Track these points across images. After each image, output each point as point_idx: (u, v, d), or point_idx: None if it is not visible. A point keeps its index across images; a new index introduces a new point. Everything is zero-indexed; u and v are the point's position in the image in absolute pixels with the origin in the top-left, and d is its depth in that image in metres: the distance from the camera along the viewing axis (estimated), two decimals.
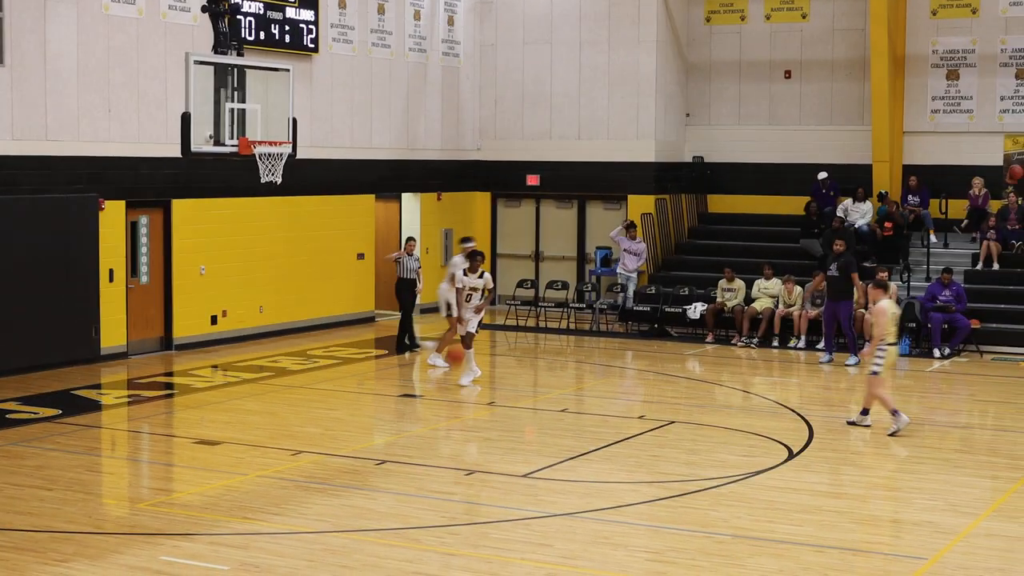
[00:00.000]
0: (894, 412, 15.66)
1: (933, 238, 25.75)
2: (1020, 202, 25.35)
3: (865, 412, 16.20)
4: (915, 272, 24.87)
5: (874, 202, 26.26)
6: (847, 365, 21.39)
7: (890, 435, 15.52)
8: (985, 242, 24.95)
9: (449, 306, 20.06)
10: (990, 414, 18.38)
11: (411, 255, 22.50)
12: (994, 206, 25.78)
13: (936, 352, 22.58)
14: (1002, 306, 23.64)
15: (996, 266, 24.83)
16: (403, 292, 22.45)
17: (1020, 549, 10.97)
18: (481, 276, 18.87)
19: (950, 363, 22.04)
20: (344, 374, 20.38)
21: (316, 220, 24.56)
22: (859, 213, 25.97)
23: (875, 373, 15.60)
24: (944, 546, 10.96)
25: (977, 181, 25.93)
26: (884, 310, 15.69)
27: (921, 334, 22.97)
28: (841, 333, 21.90)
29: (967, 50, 26.55)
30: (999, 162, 26.33)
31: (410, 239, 23.17)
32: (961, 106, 26.64)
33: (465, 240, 21.34)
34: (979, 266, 24.83)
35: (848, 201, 26.13)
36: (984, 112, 26.49)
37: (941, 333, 22.67)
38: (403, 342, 22.52)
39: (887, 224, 25.51)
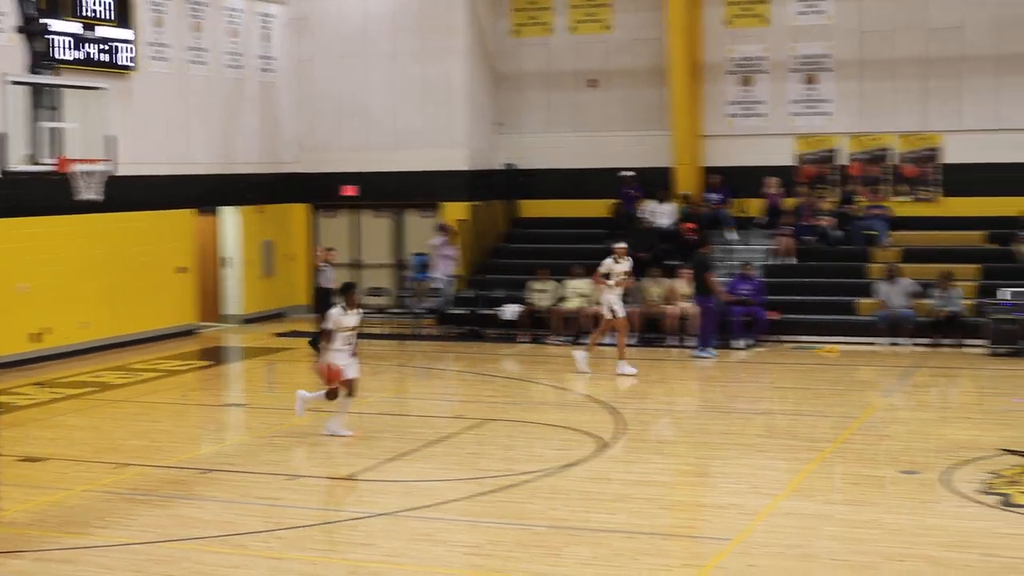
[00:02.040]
0: None
1: (734, 235, 26.86)
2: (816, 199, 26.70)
3: None
4: (716, 269, 25.93)
5: (677, 203, 27.30)
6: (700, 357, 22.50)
7: None
8: (781, 238, 26.18)
9: (612, 308, 21.14)
10: (789, 400, 19.31)
11: (330, 264, 22.99)
12: (788, 203, 27.02)
13: (737, 343, 23.68)
14: (799, 298, 24.83)
15: (792, 260, 26.09)
16: (323, 301, 22.85)
17: (818, 526, 11.58)
18: (358, 312, 16.06)
19: (751, 353, 23.09)
20: (168, 386, 20.46)
21: (137, 235, 24.55)
22: (663, 214, 27.01)
23: None
24: (747, 526, 11.54)
25: (772, 180, 27.13)
26: None
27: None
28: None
29: (760, 57, 27.74)
30: (792, 162, 27.60)
31: (330, 249, 23.64)
32: (756, 110, 27.80)
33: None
34: (776, 260, 26.04)
35: (652, 202, 27.14)
36: (777, 115, 27.70)
37: (742, 325, 23.78)
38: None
39: (690, 224, 26.54)
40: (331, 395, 15.78)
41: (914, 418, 17.35)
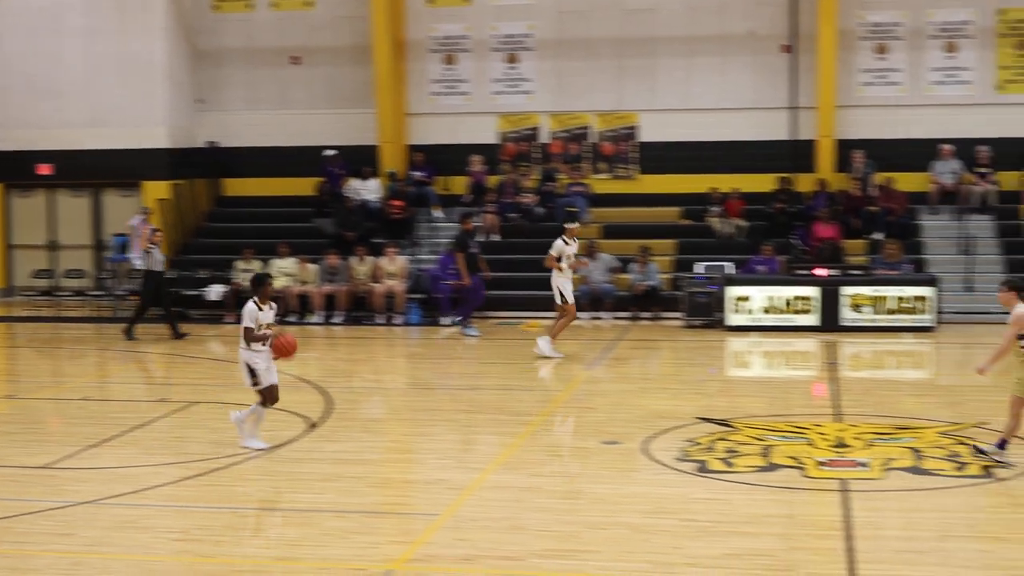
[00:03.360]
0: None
1: (439, 213, 27.09)
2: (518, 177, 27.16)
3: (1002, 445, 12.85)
4: (423, 246, 26.16)
5: (383, 181, 27.36)
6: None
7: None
8: (485, 215, 26.54)
9: (561, 293, 20.17)
10: (496, 375, 19.56)
11: (157, 246, 22.48)
12: (492, 181, 27.42)
13: (444, 320, 23.92)
14: (503, 274, 25.20)
15: (496, 237, 26.48)
16: (149, 284, 22.34)
17: (525, 498, 11.77)
18: (271, 306, 14.20)
19: (458, 329, 23.35)
20: None
21: None
22: (368, 191, 27.03)
23: None
24: (455, 501, 11.65)
25: (476, 158, 27.49)
26: None
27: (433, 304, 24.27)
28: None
29: (462, 36, 28.02)
30: (495, 140, 28.02)
31: (157, 230, 22.96)
32: (459, 88, 28.10)
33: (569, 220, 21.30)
34: (481, 238, 26.37)
35: (357, 181, 27.13)
36: (480, 94, 28.08)
37: (450, 302, 24.04)
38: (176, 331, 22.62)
39: (396, 202, 26.65)
40: (265, 401, 14.06)
41: (615, 390, 17.86)
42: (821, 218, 25.23)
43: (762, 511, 11.28)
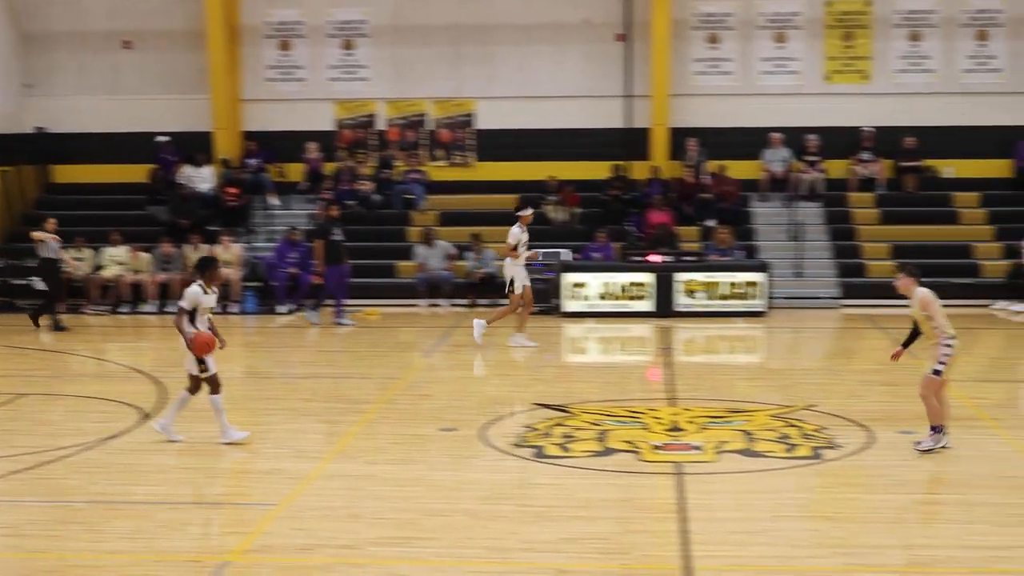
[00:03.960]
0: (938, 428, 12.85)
1: (275, 201, 26.84)
2: (355, 163, 27.01)
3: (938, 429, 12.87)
4: (258, 234, 25.90)
5: (217, 168, 27.00)
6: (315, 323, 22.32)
7: (923, 450, 12.79)
8: (322, 203, 26.35)
9: (512, 281, 19.62)
10: (333, 363, 19.51)
11: (52, 235, 21.83)
12: (329, 168, 27.26)
13: (280, 308, 23.73)
14: None
15: None
16: (51, 273, 21.85)
17: (363, 487, 11.73)
18: (215, 292, 13.69)
19: (295, 317, 23.18)
20: None
21: None
22: (201, 178, 26.65)
23: (939, 372, 12.58)
24: (293, 490, 11.56)
25: (312, 145, 27.29)
26: (931, 300, 12.69)
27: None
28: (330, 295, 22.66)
29: (297, 22, 27.79)
30: (332, 127, 27.85)
31: (52, 218, 22.23)
32: (295, 74, 27.86)
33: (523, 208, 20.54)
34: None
35: (190, 168, 26.72)
36: (316, 80, 27.89)
37: (286, 290, 23.85)
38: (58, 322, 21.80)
39: (231, 189, 26.32)
40: (196, 388, 13.65)
41: (453, 377, 17.91)
42: (655, 205, 25.60)
43: (598, 495, 11.39)
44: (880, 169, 26.89)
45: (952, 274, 24.02)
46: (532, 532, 10.28)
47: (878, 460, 12.55)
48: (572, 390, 16.46)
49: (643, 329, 22.12)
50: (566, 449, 12.95)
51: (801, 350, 20.59)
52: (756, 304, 23.23)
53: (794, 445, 13.09)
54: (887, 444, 13.11)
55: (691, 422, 14.10)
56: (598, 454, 12.75)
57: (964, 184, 26.84)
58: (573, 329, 22.34)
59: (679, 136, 27.10)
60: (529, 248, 20.14)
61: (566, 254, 24.38)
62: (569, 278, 23.32)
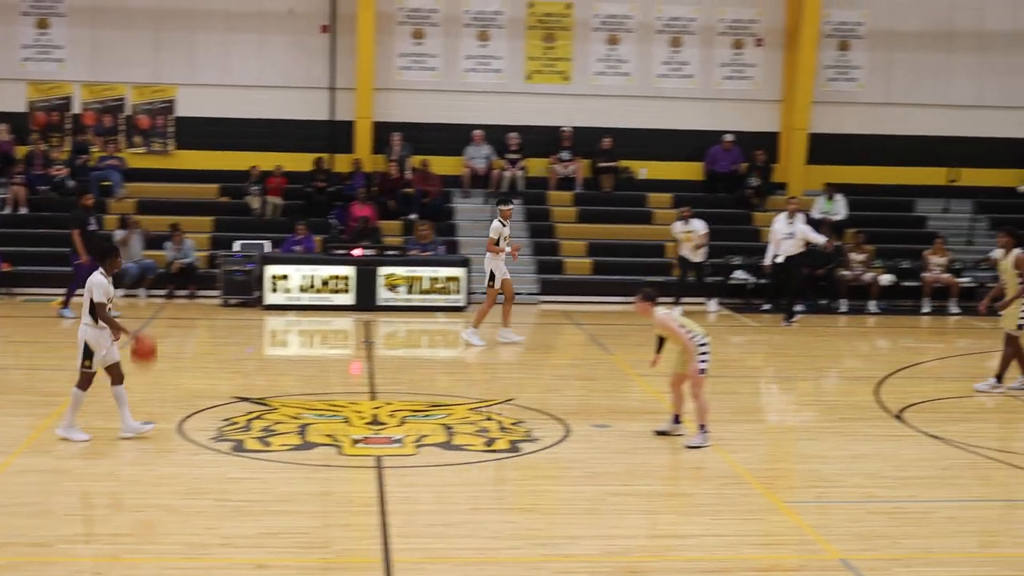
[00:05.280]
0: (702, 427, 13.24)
1: None
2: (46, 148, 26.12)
3: (677, 420, 13.56)
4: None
5: None
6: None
7: (692, 446, 13.10)
8: (12, 187, 25.39)
9: (493, 276, 19.25)
10: (24, 354, 18.82)
11: None
12: (20, 151, 26.27)
13: None
14: (32, 249, 24.22)
15: (24, 210, 25.38)
16: None
17: (53, 481, 11.39)
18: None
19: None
20: None
21: None
22: None
23: (703, 371, 12.98)
24: None
25: (2, 127, 26.24)
26: (668, 320, 13.08)
27: None
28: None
29: (57, 2, 26.67)
30: (24, 109, 26.82)
31: None
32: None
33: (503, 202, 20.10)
34: (8, 211, 25.25)
35: None
36: (6, 59, 26.80)
37: None
38: None
39: None
40: (85, 384, 12.94)
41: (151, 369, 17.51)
42: (358, 198, 25.61)
43: (298, 489, 11.36)
44: (578, 168, 27.59)
45: (646, 273, 24.86)
46: (231, 527, 10.18)
47: (574, 453, 12.86)
48: (273, 384, 16.34)
49: (345, 322, 22.10)
50: (266, 443, 12.85)
51: (500, 345, 20.85)
52: (456, 299, 23.51)
53: (493, 439, 13.28)
54: (582, 437, 13.45)
55: (391, 416, 14.16)
56: (298, 448, 12.71)
57: (657, 185, 27.79)
58: (274, 322, 22.15)
59: (383, 130, 27.17)
60: (510, 242, 19.97)
61: (268, 246, 24.14)
62: (270, 270, 23.11)
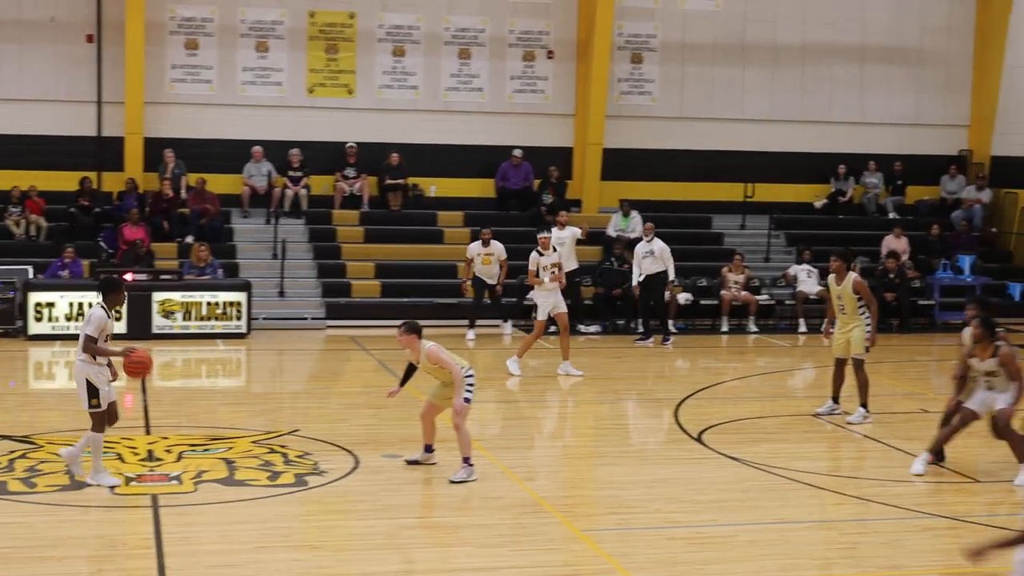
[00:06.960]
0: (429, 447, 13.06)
1: None
2: None
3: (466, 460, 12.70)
4: None
5: None
6: None
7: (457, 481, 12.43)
8: None
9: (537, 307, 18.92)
10: None
11: None
12: None
13: None
14: None
15: None
16: None
17: None
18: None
19: None
20: None
21: None
22: None
23: (468, 400, 12.48)
24: None
25: None
26: (437, 352, 12.52)
27: None
28: None
29: None
30: None
31: None
32: None
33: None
34: None
35: None
36: None
37: None
38: None
39: None
40: (100, 425, 12.01)
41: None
42: (130, 219, 24.20)
43: (68, 533, 10.64)
44: (364, 186, 26.61)
45: (437, 295, 24.10)
46: None
47: (363, 485, 12.37)
48: (38, 419, 15.40)
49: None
50: (31, 484, 12.06)
51: (285, 373, 20.04)
52: (237, 325, 22.36)
53: (278, 472, 12.66)
54: (372, 469, 12.95)
55: (168, 451, 13.42)
56: (67, 488, 11.95)
57: (448, 203, 27.00)
58: (40, 353, 20.83)
59: (156, 146, 25.76)
60: (559, 270, 18.99)
61: (31, 271, 22.57)
62: (34, 297, 21.60)
